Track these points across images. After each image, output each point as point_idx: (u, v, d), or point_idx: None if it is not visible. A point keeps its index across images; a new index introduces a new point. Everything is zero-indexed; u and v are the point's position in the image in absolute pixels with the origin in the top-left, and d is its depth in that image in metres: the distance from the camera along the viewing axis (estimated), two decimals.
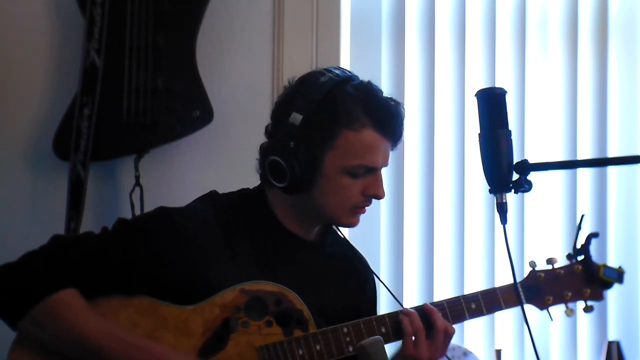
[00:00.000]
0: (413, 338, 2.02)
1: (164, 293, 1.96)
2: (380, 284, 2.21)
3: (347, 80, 2.03)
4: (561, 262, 2.22)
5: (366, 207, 2.08)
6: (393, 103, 2.05)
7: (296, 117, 1.99)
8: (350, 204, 2.04)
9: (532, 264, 2.20)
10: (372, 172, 2.03)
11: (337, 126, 1.99)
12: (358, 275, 2.20)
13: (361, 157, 2.00)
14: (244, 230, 2.06)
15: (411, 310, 2.05)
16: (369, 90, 2.04)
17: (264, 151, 2.05)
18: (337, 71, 2.04)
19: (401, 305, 2.14)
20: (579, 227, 2.18)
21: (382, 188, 2.05)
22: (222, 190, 2.15)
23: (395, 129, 2.04)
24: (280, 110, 2.05)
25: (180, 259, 1.97)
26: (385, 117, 2.01)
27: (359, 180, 2.02)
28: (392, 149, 2.06)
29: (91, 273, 1.94)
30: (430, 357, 2.02)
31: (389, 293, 2.19)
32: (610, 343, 3.03)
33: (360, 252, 2.20)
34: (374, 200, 2.07)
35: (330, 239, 2.18)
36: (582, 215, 2.21)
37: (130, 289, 1.95)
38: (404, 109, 2.07)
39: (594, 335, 3.14)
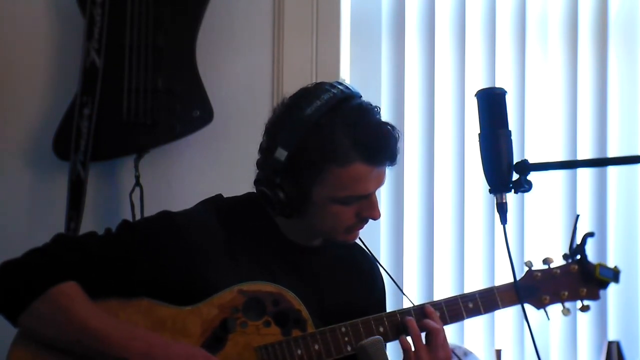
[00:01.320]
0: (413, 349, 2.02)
1: (165, 294, 1.96)
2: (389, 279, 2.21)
3: (336, 106, 1.94)
4: (557, 262, 2.22)
5: (364, 225, 2.05)
6: (387, 128, 1.97)
7: (281, 153, 1.94)
8: (344, 226, 2.03)
9: (529, 264, 2.20)
10: (365, 197, 1.99)
11: (323, 163, 1.93)
12: (365, 277, 2.20)
13: (351, 189, 1.96)
14: (245, 235, 2.06)
15: (409, 318, 2.05)
16: (359, 119, 1.95)
17: (256, 177, 2.02)
18: (326, 95, 1.95)
19: (408, 298, 2.14)
20: (575, 227, 2.19)
21: (377, 210, 2.01)
22: (222, 189, 2.15)
23: (387, 156, 1.97)
24: (268, 138, 2.00)
25: (181, 261, 1.97)
26: (375, 148, 1.94)
27: (352, 206, 1.99)
28: (389, 166, 2.01)
29: (93, 273, 1.94)
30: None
31: (391, 291, 2.18)
32: (610, 343, 3.03)
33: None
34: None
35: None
36: (577, 216, 2.22)
37: (131, 289, 1.96)
38: (398, 133, 1.99)
39: (594, 335, 3.14)
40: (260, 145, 2.05)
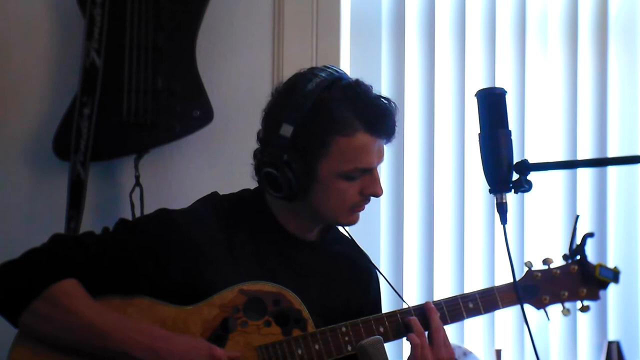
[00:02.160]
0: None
1: (165, 293, 1.96)
2: (385, 282, 2.21)
3: (334, 83, 2.01)
4: (557, 262, 2.22)
5: (365, 205, 2.08)
6: (383, 101, 2.04)
7: (287, 129, 1.97)
8: (348, 204, 2.04)
9: (529, 264, 2.20)
10: (369, 172, 2.03)
11: (328, 134, 1.98)
12: (362, 275, 2.20)
13: (356, 160, 1.99)
14: (244, 231, 2.06)
15: (412, 318, 2.05)
16: (358, 92, 2.02)
17: (259, 161, 2.04)
18: (322, 74, 2.01)
19: (406, 303, 2.14)
20: (575, 228, 2.20)
21: (380, 186, 2.05)
22: (222, 189, 2.15)
23: (388, 126, 2.03)
24: (271, 119, 2.04)
25: (180, 260, 1.98)
26: (376, 117, 2.00)
27: (356, 182, 2.02)
28: (386, 143, 2.06)
29: (91, 272, 1.95)
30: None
31: (390, 291, 2.19)
32: (610, 343, 3.04)
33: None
34: (374, 199, 2.08)
35: (333, 238, 2.18)
36: (577, 216, 2.22)
37: (130, 288, 1.96)
38: (395, 104, 2.06)
39: (594, 335, 3.14)
40: (258, 134, 2.07)
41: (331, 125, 1.97)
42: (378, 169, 2.06)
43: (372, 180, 2.04)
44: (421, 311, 2.08)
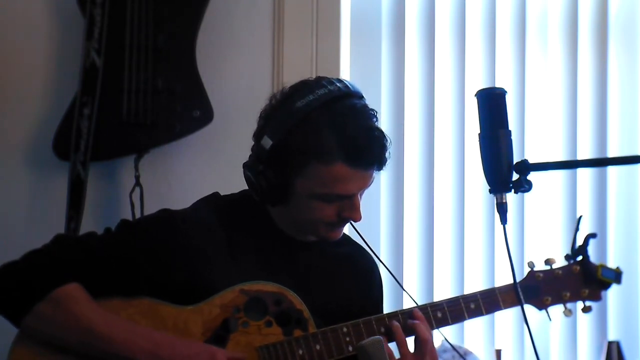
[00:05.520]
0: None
1: (166, 293, 1.96)
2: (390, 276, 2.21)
3: (329, 103, 1.93)
4: (559, 262, 2.22)
5: (344, 226, 2.04)
6: (375, 134, 1.95)
7: (267, 142, 1.95)
8: (325, 222, 2.01)
9: (531, 265, 2.20)
10: (347, 198, 1.97)
11: (306, 157, 1.93)
12: (364, 275, 2.19)
13: (332, 187, 1.94)
14: (245, 231, 2.06)
15: (395, 324, 2.04)
16: (347, 120, 1.92)
17: (245, 162, 2.04)
18: (322, 90, 1.94)
19: (414, 301, 2.13)
20: (577, 228, 2.20)
21: (359, 212, 1.98)
22: (222, 189, 2.15)
23: (371, 161, 1.95)
24: (258, 126, 2.02)
25: (181, 260, 1.98)
26: (359, 151, 1.92)
27: (333, 204, 1.98)
28: (376, 172, 1.99)
29: (94, 273, 1.95)
30: None
31: (391, 290, 2.18)
32: (610, 343, 3.03)
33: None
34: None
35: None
36: (580, 217, 2.22)
37: (132, 289, 1.96)
38: (387, 138, 1.97)
39: (594, 335, 3.14)
40: (254, 132, 2.06)
41: (310, 150, 1.92)
42: (360, 193, 1.99)
43: (351, 206, 1.98)
44: (424, 311, 2.08)
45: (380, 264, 2.23)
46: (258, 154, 1.97)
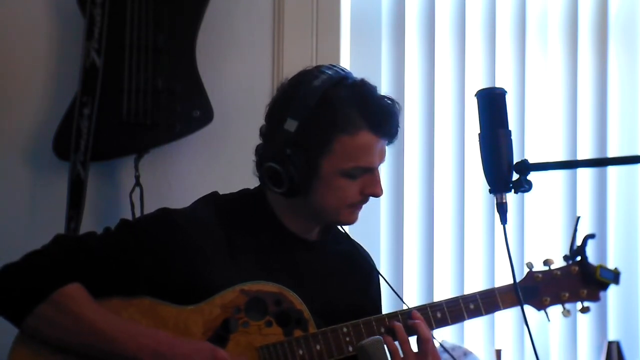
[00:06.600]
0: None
1: (166, 293, 1.96)
2: (385, 282, 2.21)
3: (340, 81, 2.02)
4: (558, 263, 2.22)
5: (363, 205, 2.08)
6: (388, 101, 2.05)
7: (291, 124, 1.98)
8: (348, 202, 2.04)
9: (530, 265, 2.21)
10: (370, 171, 2.03)
11: (332, 132, 1.98)
12: (362, 275, 2.20)
13: (358, 159, 2.00)
14: (244, 230, 2.06)
15: (397, 324, 2.04)
16: (363, 91, 2.03)
17: (261, 156, 2.05)
18: (329, 71, 2.03)
19: (405, 304, 2.13)
20: (575, 229, 2.20)
21: (380, 186, 2.05)
22: (222, 189, 2.15)
23: (391, 127, 2.04)
24: (275, 114, 2.04)
25: (181, 260, 1.98)
26: (380, 118, 2.02)
27: (356, 181, 2.03)
28: (388, 144, 2.07)
29: (94, 273, 1.95)
30: None
31: (390, 292, 2.19)
32: (610, 343, 3.03)
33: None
34: (374, 199, 2.08)
35: (333, 238, 2.18)
36: (578, 217, 2.23)
37: (132, 289, 1.96)
38: (399, 106, 2.07)
39: (594, 335, 3.14)
40: (260, 129, 2.08)
41: (335, 123, 1.98)
42: (379, 169, 2.06)
43: (373, 181, 2.04)
44: (424, 312, 2.08)
45: (378, 272, 2.23)
46: (283, 138, 1.99)
